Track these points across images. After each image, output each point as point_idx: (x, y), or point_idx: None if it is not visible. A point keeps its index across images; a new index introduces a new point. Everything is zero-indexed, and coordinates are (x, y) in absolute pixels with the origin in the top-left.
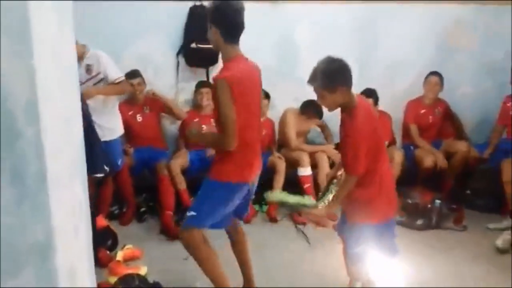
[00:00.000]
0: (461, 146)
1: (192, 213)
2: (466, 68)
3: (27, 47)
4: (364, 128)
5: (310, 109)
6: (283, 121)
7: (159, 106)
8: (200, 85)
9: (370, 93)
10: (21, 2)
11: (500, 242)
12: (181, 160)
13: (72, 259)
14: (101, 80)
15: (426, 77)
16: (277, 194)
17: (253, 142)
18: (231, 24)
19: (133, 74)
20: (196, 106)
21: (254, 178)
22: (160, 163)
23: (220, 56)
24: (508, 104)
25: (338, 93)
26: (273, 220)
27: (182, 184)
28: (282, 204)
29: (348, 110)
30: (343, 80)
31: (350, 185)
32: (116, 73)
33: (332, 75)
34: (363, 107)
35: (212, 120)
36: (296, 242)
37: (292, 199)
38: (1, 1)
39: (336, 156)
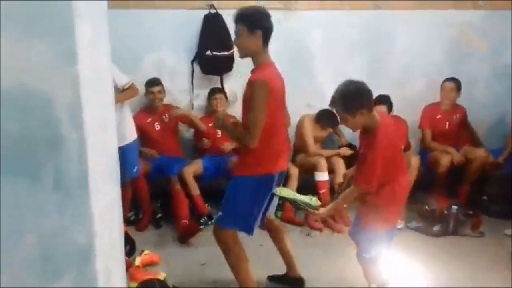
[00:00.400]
0: (480, 152)
1: (220, 213)
2: (477, 73)
3: (72, 53)
4: (384, 147)
5: (325, 119)
6: (300, 127)
7: (178, 116)
8: (214, 91)
9: (384, 100)
10: (66, 8)
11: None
12: (194, 166)
13: (108, 261)
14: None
15: (442, 83)
16: (286, 190)
17: (279, 139)
18: (270, 28)
19: (153, 82)
20: (210, 111)
21: (281, 167)
22: (174, 176)
23: (233, 63)
24: None
25: (359, 116)
26: (294, 222)
27: (195, 190)
28: (289, 201)
29: (370, 129)
30: (362, 103)
31: (354, 196)
32: (123, 80)
33: (351, 99)
34: (384, 126)
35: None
36: (314, 248)
37: (299, 197)
38: (47, 8)
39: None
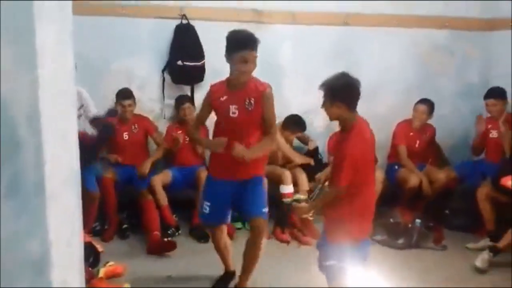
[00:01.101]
0: (441, 176)
1: (264, 209)
2: (443, 92)
3: (31, 57)
4: (356, 146)
5: (292, 124)
6: None
7: (147, 127)
8: (182, 99)
9: None
10: (26, 13)
11: (479, 262)
12: (163, 176)
13: (66, 273)
14: (81, 115)
15: (415, 105)
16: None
17: None
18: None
19: (124, 95)
20: (179, 120)
21: None
22: (144, 190)
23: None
24: (488, 127)
25: (335, 107)
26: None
27: (164, 200)
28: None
29: (345, 127)
30: (343, 97)
31: (330, 196)
32: (95, 109)
33: (335, 88)
34: (360, 128)
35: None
36: (282, 261)
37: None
38: (6, 12)
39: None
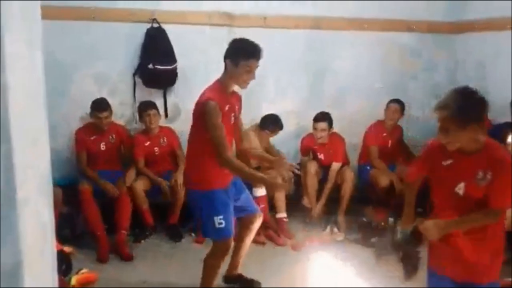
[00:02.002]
0: None
1: None
2: (412, 93)
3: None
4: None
5: (271, 123)
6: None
7: (123, 138)
8: (146, 106)
9: (323, 117)
10: None
11: None
12: (144, 182)
13: (38, 282)
14: None
15: (387, 104)
16: None
17: None
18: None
19: (100, 107)
20: (145, 129)
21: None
22: (120, 178)
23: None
24: None
25: (469, 131)
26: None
27: (145, 204)
28: None
29: (472, 148)
30: (479, 117)
31: (492, 220)
32: None
33: (467, 109)
34: (493, 141)
35: (161, 140)
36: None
37: None
38: None
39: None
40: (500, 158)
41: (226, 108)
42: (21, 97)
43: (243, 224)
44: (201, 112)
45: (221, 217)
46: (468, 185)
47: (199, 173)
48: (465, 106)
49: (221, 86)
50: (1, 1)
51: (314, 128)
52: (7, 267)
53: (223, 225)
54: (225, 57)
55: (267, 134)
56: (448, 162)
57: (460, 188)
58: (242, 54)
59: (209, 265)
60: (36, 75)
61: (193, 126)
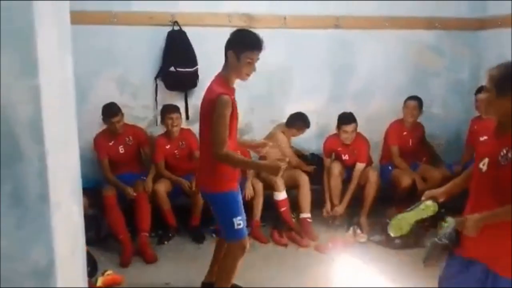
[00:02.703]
0: (435, 174)
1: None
2: (435, 90)
3: (32, 66)
4: None
5: (299, 121)
6: (275, 142)
7: (141, 140)
8: (168, 110)
9: (351, 119)
10: (28, 23)
11: None
12: (165, 183)
13: (70, 281)
14: None
15: (405, 101)
16: (398, 218)
17: None
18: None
19: (111, 112)
20: (166, 132)
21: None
22: (137, 184)
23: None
24: (475, 127)
25: (504, 100)
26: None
27: (167, 205)
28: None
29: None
30: None
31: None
32: None
33: (505, 79)
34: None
35: (180, 143)
36: (281, 265)
37: (415, 215)
38: (6, 20)
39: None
40: None
41: (235, 100)
42: (53, 100)
43: None
44: (213, 107)
45: (240, 218)
46: (491, 162)
47: (215, 175)
48: (506, 76)
49: (226, 80)
50: (34, 7)
51: (343, 130)
52: (41, 266)
53: (241, 226)
54: (227, 49)
55: (293, 132)
56: (484, 138)
57: (484, 164)
58: (245, 45)
59: (230, 267)
60: (67, 77)
61: (204, 127)
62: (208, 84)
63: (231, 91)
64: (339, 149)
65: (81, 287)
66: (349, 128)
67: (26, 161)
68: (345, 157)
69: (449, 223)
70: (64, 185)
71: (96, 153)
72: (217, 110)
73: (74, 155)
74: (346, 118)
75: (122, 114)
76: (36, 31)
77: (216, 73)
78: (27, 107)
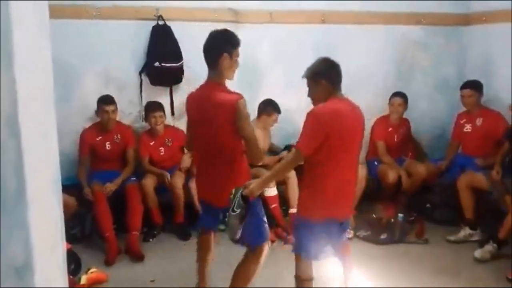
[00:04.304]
0: (420, 169)
1: None
2: (420, 87)
3: (8, 59)
4: (323, 115)
5: (268, 106)
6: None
7: (128, 139)
8: (152, 107)
9: None
10: (4, 15)
11: (478, 254)
12: (153, 179)
13: (49, 279)
14: None
15: (391, 98)
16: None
17: None
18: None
19: (107, 100)
20: (150, 129)
21: None
22: (129, 183)
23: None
24: (462, 121)
25: (319, 85)
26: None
27: (154, 203)
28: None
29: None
30: (326, 76)
31: (293, 161)
32: None
33: (318, 69)
34: (335, 104)
35: (166, 140)
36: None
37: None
38: None
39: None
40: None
41: None
42: (30, 94)
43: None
44: (232, 114)
45: (265, 218)
46: None
47: (244, 178)
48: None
49: (224, 86)
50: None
51: None
52: (19, 263)
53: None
54: (221, 52)
55: (265, 121)
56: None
57: None
58: (234, 44)
59: (253, 271)
60: (45, 72)
61: (222, 130)
62: (200, 92)
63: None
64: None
65: (60, 285)
66: None
67: (2, 156)
68: None
69: (234, 192)
70: (43, 180)
71: (78, 147)
72: (244, 114)
73: (53, 150)
74: None
75: (117, 107)
76: (12, 23)
77: (201, 68)
78: (3, 100)
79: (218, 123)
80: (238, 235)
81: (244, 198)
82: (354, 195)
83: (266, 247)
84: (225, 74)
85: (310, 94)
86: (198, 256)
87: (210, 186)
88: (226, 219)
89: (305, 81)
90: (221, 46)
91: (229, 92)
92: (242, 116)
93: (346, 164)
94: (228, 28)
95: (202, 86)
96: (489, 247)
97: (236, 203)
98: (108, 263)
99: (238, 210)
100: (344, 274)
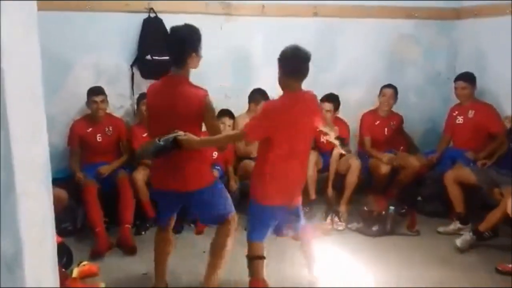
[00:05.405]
0: (413, 161)
1: None
2: (412, 80)
3: None
4: (269, 110)
5: (256, 94)
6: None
7: (120, 131)
8: (144, 97)
9: (328, 98)
10: None
11: (459, 242)
12: (144, 172)
13: (39, 272)
14: None
15: (381, 89)
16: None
17: None
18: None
19: (97, 91)
20: (141, 120)
21: None
22: (121, 175)
23: None
24: (454, 114)
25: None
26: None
27: (145, 196)
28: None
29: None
30: (285, 65)
31: (234, 138)
32: None
33: (281, 58)
34: (292, 96)
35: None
36: None
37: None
38: None
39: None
40: None
41: None
42: (18, 86)
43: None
44: (201, 107)
45: (227, 194)
46: None
47: (201, 171)
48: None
49: (188, 79)
50: None
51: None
52: (8, 256)
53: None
54: (189, 53)
55: (253, 109)
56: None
57: None
58: (200, 41)
59: (226, 244)
60: (33, 64)
61: (187, 121)
62: (164, 84)
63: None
64: (317, 130)
65: (50, 279)
66: (325, 106)
67: None
68: (323, 139)
69: (173, 133)
70: (32, 173)
71: (68, 138)
72: (210, 108)
73: (43, 142)
74: (324, 97)
75: (106, 99)
76: (1, 19)
77: None
78: None
79: (183, 115)
80: (144, 157)
81: (176, 142)
82: (304, 182)
83: (234, 217)
84: (190, 68)
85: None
86: (158, 253)
87: (172, 173)
88: None
89: None
90: (190, 46)
91: (195, 87)
92: (209, 110)
93: (294, 154)
94: (217, 20)
95: (165, 79)
96: (467, 236)
97: (165, 138)
98: (94, 256)
99: (163, 143)
100: (305, 258)
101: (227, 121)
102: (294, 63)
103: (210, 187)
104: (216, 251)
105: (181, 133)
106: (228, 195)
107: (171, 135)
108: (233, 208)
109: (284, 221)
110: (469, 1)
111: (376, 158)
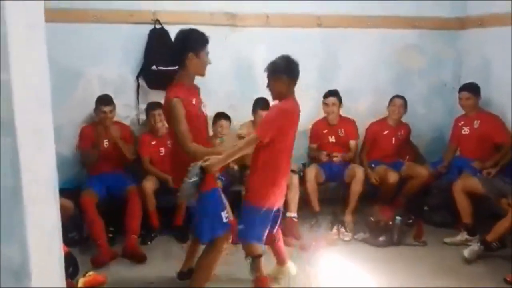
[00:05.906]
0: (421, 171)
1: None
2: (417, 90)
3: (4, 62)
4: (285, 110)
5: (258, 103)
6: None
7: (126, 137)
8: (153, 106)
9: (331, 93)
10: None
11: (467, 253)
12: (152, 182)
13: (46, 281)
14: None
15: (392, 99)
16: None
17: None
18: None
19: (105, 101)
20: (151, 129)
21: None
22: (130, 187)
23: None
24: (460, 124)
25: (278, 82)
26: None
27: (152, 206)
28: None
29: (281, 99)
30: (286, 72)
31: (250, 143)
32: None
33: (279, 66)
34: (290, 101)
35: (168, 142)
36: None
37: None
38: None
39: None
40: None
41: (194, 101)
42: (26, 95)
43: None
44: (168, 111)
45: (225, 211)
46: None
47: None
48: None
49: (184, 83)
50: (6, 2)
51: (324, 103)
52: (16, 265)
53: (227, 219)
54: (186, 52)
55: (259, 116)
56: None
57: None
58: (202, 42)
59: (213, 262)
60: (41, 74)
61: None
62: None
63: (186, 91)
64: (325, 131)
65: (58, 286)
66: (329, 100)
67: None
68: (332, 139)
69: (194, 165)
70: (39, 181)
71: (78, 141)
72: (174, 112)
73: (50, 151)
74: (328, 92)
75: (114, 108)
76: (8, 28)
77: None
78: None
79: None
80: (192, 199)
81: (203, 170)
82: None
83: (227, 237)
84: (191, 72)
85: (271, 89)
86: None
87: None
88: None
89: (300, 83)
90: (187, 46)
91: (175, 88)
92: (173, 115)
93: (286, 156)
94: (222, 31)
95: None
96: (475, 247)
97: (192, 172)
98: (95, 265)
99: (194, 179)
100: (276, 256)
101: (224, 123)
102: (297, 68)
103: (208, 191)
104: (201, 267)
105: (198, 162)
106: (222, 217)
107: (195, 169)
108: (224, 231)
109: (274, 220)
110: (474, 11)
111: (384, 168)
